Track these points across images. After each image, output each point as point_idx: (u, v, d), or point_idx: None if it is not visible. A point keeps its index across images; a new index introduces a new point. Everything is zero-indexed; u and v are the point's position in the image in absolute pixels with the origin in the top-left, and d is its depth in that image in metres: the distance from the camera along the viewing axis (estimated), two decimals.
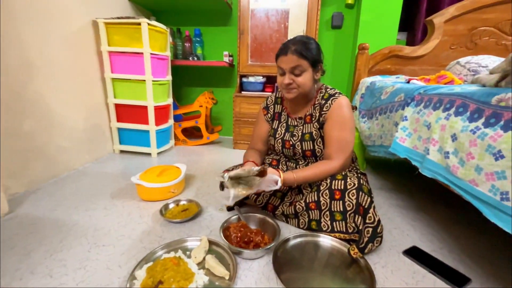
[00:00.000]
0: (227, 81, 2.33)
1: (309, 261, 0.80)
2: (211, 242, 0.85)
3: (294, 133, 1.06)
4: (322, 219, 0.91)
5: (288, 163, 1.10)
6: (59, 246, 0.84)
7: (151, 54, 1.60)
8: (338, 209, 0.86)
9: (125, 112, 1.75)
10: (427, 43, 1.63)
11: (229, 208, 1.08)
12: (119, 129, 1.80)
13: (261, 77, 1.98)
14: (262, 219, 0.94)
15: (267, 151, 1.21)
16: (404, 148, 0.93)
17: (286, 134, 1.07)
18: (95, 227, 0.95)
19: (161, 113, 1.80)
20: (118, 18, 1.55)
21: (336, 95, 0.98)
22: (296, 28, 1.90)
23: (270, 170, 0.86)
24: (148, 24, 1.54)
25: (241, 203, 1.09)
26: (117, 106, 1.74)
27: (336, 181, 0.89)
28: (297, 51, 0.89)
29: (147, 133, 1.75)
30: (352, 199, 0.83)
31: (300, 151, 1.03)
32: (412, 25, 1.94)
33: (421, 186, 1.42)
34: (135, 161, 1.68)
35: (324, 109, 0.97)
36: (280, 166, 1.11)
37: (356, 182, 0.86)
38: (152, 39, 1.60)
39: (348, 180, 0.87)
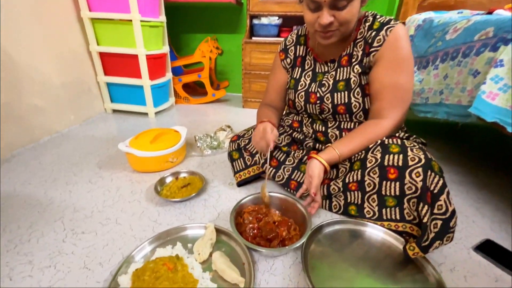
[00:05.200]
0: (234, 25, 1.93)
1: (355, 260, 0.59)
2: (219, 231, 0.65)
3: (324, 81, 0.78)
4: (366, 204, 0.68)
5: (314, 124, 0.83)
6: (27, 234, 0.66)
7: None
8: (392, 193, 0.63)
9: (113, 63, 1.45)
10: None
11: (240, 184, 0.87)
12: (109, 85, 1.53)
13: (277, 18, 1.59)
14: (285, 201, 0.72)
15: (284, 108, 0.95)
16: (494, 108, 0.64)
17: (312, 85, 0.79)
18: (74, 207, 0.76)
19: (156, 64, 1.49)
20: None
21: (391, 22, 0.67)
22: None
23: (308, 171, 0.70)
24: None
25: (258, 177, 0.87)
26: (103, 55, 1.43)
27: (391, 155, 0.63)
28: None
29: (142, 88, 1.48)
30: (415, 181, 0.59)
31: (330, 106, 0.76)
32: None
33: (478, 155, 1.16)
34: (130, 123, 1.45)
35: (375, 43, 0.67)
36: (303, 129, 0.85)
37: (422, 157, 0.60)
38: None
39: (410, 153, 0.61)
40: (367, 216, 0.68)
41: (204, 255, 0.58)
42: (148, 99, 1.49)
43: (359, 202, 0.69)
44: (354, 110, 0.74)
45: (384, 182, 0.64)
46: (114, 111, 1.60)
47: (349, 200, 0.71)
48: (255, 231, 0.62)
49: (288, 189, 0.81)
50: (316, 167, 0.68)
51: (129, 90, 1.51)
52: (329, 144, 0.74)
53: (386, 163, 0.63)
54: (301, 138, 0.85)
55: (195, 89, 2.05)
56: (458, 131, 1.46)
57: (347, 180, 0.70)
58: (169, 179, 0.87)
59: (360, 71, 0.71)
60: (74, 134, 1.26)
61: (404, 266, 0.59)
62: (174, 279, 0.50)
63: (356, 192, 0.69)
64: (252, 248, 0.59)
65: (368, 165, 0.66)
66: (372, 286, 0.54)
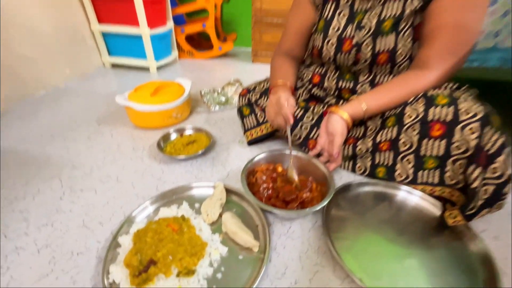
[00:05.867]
0: None
1: (380, 224, 0.52)
2: (228, 191, 0.58)
3: (363, 23, 0.61)
4: (399, 165, 0.58)
5: (340, 81, 0.69)
6: (22, 191, 0.61)
7: None
8: (434, 153, 0.53)
9: (106, 9, 1.28)
10: None
11: (251, 142, 0.78)
12: (105, 35, 1.38)
13: None
14: (305, 161, 0.63)
15: (304, 57, 0.78)
16: None
17: (348, 28, 0.63)
18: (73, 163, 0.70)
19: (154, 9, 1.31)
20: None
21: None
22: None
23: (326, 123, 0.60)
24: None
25: (271, 135, 0.78)
26: None
27: (438, 108, 0.51)
28: None
29: (141, 39, 1.32)
30: (469, 139, 0.48)
31: (368, 55, 0.61)
32: None
33: None
34: (130, 78, 1.34)
35: None
36: (326, 84, 0.72)
37: (479, 109, 0.48)
38: None
39: (462, 105, 0.50)
40: (398, 179, 0.59)
41: (213, 216, 0.52)
42: (148, 51, 1.35)
43: (390, 163, 0.60)
44: (399, 59, 0.59)
45: (425, 141, 0.53)
46: (113, 65, 1.47)
47: (377, 162, 0.62)
48: (270, 191, 0.55)
49: (306, 149, 0.71)
50: (338, 123, 0.57)
51: (127, 41, 1.36)
52: (355, 96, 0.62)
53: (430, 118, 0.52)
54: (322, 95, 0.73)
55: (199, 43, 1.86)
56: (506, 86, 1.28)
57: (378, 139, 0.59)
58: (173, 136, 0.79)
59: (418, 6, 0.54)
60: (71, 89, 1.17)
61: (438, 232, 0.52)
62: (179, 241, 0.45)
63: (387, 153, 0.59)
64: (267, 210, 0.52)
65: (407, 120, 0.55)
66: (397, 251, 0.47)
